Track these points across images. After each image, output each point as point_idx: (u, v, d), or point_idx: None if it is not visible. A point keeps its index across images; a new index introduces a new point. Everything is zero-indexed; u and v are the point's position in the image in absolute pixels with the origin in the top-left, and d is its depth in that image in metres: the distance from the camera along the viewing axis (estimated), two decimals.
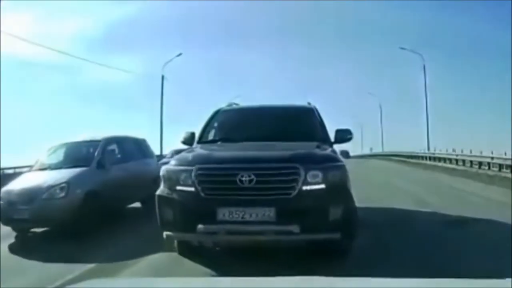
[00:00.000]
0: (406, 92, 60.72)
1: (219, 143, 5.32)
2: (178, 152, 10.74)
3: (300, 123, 5.61)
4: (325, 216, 3.96)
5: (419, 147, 30.06)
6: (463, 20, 51.91)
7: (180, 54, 29.72)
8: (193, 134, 5.48)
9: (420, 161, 26.33)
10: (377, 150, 46.43)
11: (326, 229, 3.94)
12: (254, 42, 64.21)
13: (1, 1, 25.53)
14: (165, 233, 4.29)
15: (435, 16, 54.26)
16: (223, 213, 3.98)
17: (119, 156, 8.11)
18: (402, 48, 30.12)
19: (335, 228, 3.96)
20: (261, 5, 56.77)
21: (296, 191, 3.98)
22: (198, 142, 5.35)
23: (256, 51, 65.57)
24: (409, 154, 30.41)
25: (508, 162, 15.41)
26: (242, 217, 3.96)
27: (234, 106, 6.61)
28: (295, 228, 3.88)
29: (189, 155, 4.60)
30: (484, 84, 55.75)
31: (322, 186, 4.05)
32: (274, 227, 3.95)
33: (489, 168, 17.42)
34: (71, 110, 53.98)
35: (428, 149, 27.87)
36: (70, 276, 4.14)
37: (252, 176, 3.97)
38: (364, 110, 73.93)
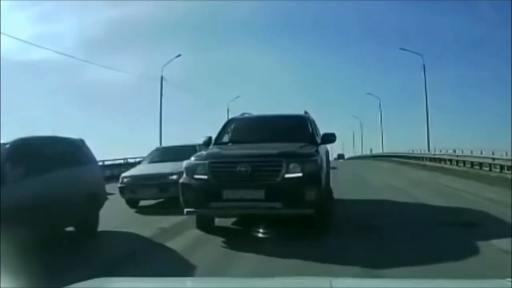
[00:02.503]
0: (406, 93, 60.82)
1: (229, 144, 6.99)
2: (159, 150, 11.36)
3: (292, 129, 7.20)
4: (302, 196, 5.48)
5: (419, 148, 30.20)
6: (463, 20, 51.85)
7: (179, 55, 30.25)
8: (210, 138, 7.09)
9: (420, 162, 26.28)
10: (377, 151, 46.39)
11: (302, 206, 5.47)
12: (253, 42, 64.61)
13: (1, 2, 25.56)
14: (186, 210, 5.86)
15: (435, 16, 54.06)
16: (227, 193, 5.60)
17: (34, 165, 5.44)
18: (403, 49, 30.17)
19: (310, 206, 5.48)
20: (261, 5, 56.86)
21: (280, 178, 5.53)
22: (214, 144, 6.94)
23: (255, 51, 65.81)
24: (409, 155, 30.35)
25: (509, 163, 15.39)
26: (241, 196, 5.58)
27: (246, 115, 8.16)
28: (278, 204, 5.47)
29: (204, 153, 6.34)
30: (484, 84, 55.79)
31: (300, 174, 5.54)
32: (263, 204, 5.55)
33: (490, 169, 17.39)
34: (70, 111, 54.16)
35: (429, 149, 27.84)
36: None
37: (248, 167, 5.59)
38: (364, 111, 74.06)
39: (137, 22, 61.21)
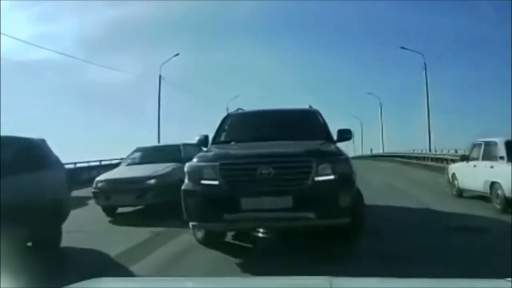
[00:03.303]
0: (406, 92, 60.21)
1: (232, 143, 5.74)
2: (139, 150, 10.17)
3: (305, 124, 6.27)
4: (336, 203, 4.54)
5: (420, 148, 29.62)
6: (463, 20, 51.32)
7: (177, 54, 29.62)
8: (206, 137, 6.01)
9: (422, 162, 25.60)
10: (378, 151, 45.64)
11: (337, 215, 4.53)
12: (253, 42, 63.86)
13: (1, 2, 25.09)
14: (191, 224, 4.98)
15: (435, 16, 53.51)
16: (246, 202, 4.56)
17: None
18: (403, 48, 29.51)
19: (346, 214, 4.56)
20: (261, 5, 56.26)
21: (309, 181, 4.56)
22: (213, 143, 5.86)
23: (255, 51, 65.13)
24: (410, 155, 29.70)
25: None
26: (263, 206, 4.55)
27: (240, 111, 7.09)
28: (310, 214, 4.47)
29: (210, 153, 5.26)
30: (484, 84, 55.33)
31: (332, 177, 4.62)
32: (293, 214, 4.52)
33: None
34: (71, 110, 53.75)
35: (430, 149, 27.18)
36: None
37: (270, 170, 4.57)
38: (364, 111, 73.44)
39: (137, 22, 60.92)
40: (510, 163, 7.47)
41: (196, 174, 4.84)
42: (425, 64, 28.45)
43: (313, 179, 4.55)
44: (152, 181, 7.94)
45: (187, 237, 5.86)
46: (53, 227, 5.65)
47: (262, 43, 65.64)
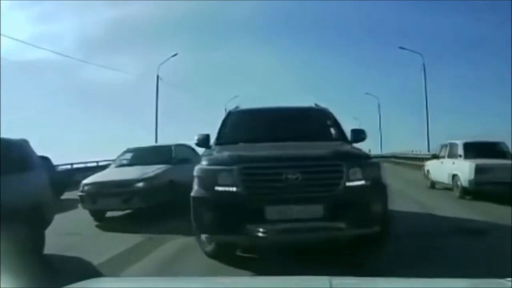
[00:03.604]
0: (406, 93, 60.08)
1: (240, 144, 5.15)
2: (130, 151, 9.63)
3: (317, 123, 5.79)
4: (368, 211, 4.13)
5: (418, 148, 29.38)
6: (463, 20, 51.30)
7: (175, 55, 29.52)
8: (207, 136, 5.47)
9: (419, 162, 25.30)
10: (376, 151, 45.40)
11: (370, 223, 4.12)
12: (252, 42, 63.50)
13: (1, 2, 24.97)
14: (204, 236, 4.43)
15: (435, 16, 53.46)
16: (271, 212, 4.05)
17: None
18: (402, 48, 29.30)
19: (377, 222, 4.16)
20: (261, 5, 55.99)
21: (340, 187, 4.11)
22: (217, 144, 5.29)
23: (254, 51, 64.82)
24: (408, 155, 29.46)
25: None
26: (291, 215, 4.05)
27: (241, 108, 6.55)
28: (342, 224, 4.04)
29: (222, 155, 4.59)
30: (484, 84, 55.36)
31: (363, 182, 4.20)
32: (324, 224, 4.07)
33: None
34: (71, 110, 53.51)
35: (429, 150, 26.91)
36: None
37: (298, 174, 4.07)
38: (364, 111, 73.11)
39: (136, 22, 60.70)
40: (466, 160, 9.67)
41: (208, 180, 4.24)
42: (423, 65, 28.52)
43: (344, 184, 4.11)
44: (140, 184, 7.52)
45: (175, 244, 5.51)
46: (35, 233, 5.24)
47: (261, 43, 65.48)
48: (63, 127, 42.15)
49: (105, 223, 7.72)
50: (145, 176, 7.67)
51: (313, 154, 4.50)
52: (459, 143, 10.37)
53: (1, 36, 21.00)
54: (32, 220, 5.05)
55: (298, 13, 61.92)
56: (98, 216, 7.96)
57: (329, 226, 4.06)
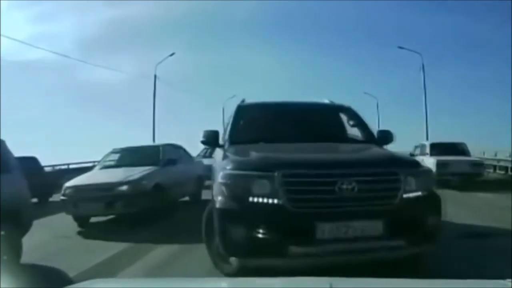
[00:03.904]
0: (406, 93, 59.82)
1: (261, 143, 4.37)
2: (116, 151, 9.10)
3: (343, 122, 5.19)
4: (427, 226, 3.59)
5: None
6: (463, 20, 51.05)
7: (173, 54, 29.01)
8: (216, 133, 4.75)
9: None
10: None
11: (429, 240, 3.61)
12: (250, 41, 62.95)
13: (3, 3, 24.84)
14: (234, 259, 3.56)
15: (435, 16, 53.26)
16: (323, 229, 3.33)
17: None
18: (401, 48, 28.96)
19: (435, 238, 3.66)
20: (261, 5, 55.57)
21: (398, 199, 3.51)
22: (232, 142, 4.48)
23: (252, 50, 64.30)
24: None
25: None
26: (347, 233, 3.35)
27: (252, 102, 5.72)
28: (402, 241, 3.44)
29: (254, 157, 3.76)
30: (484, 85, 55.24)
31: (419, 193, 3.64)
32: (384, 243, 3.41)
33: (494, 170, 17.14)
34: (71, 110, 53.20)
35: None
36: None
37: (354, 184, 3.40)
38: (361, 111, 71.94)
39: (135, 21, 60.04)
40: (431, 156, 12.84)
41: (240, 188, 3.47)
42: (422, 64, 27.95)
43: (401, 196, 3.51)
44: (123, 188, 7.01)
45: (159, 253, 5.06)
46: (11, 241, 4.79)
47: (261, 43, 64.92)
48: (61, 127, 41.95)
49: (87, 229, 7.23)
50: (129, 179, 7.17)
51: (368, 160, 3.89)
52: (427, 143, 14.42)
53: (1, 36, 20.67)
54: (7, 226, 4.57)
55: (296, 12, 61.45)
56: (81, 221, 7.47)
57: (389, 245, 3.42)
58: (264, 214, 3.39)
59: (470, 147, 19.41)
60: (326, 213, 3.38)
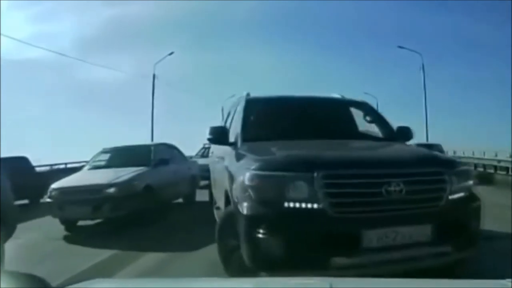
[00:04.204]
0: (406, 93, 59.73)
1: (280, 141, 3.96)
2: (106, 151, 8.70)
3: (360, 118, 4.86)
4: (471, 229, 3.35)
5: None
6: (463, 20, 51.01)
7: (171, 53, 29.13)
8: (224, 130, 4.42)
9: None
10: None
11: (473, 244, 3.35)
12: (249, 41, 62.68)
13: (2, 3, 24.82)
14: (265, 275, 3.00)
15: (435, 16, 53.20)
16: (371, 237, 2.99)
17: None
18: (401, 47, 28.84)
19: (478, 242, 3.39)
20: (261, 5, 55.35)
21: (444, 201, 3.24)
22: (246, 140, 4.04)
23: (251, 50, 64.08)
24: None
25: None
26: (395, 240, 3.04)
27: (262, 96, 5.35)
28: (449, 247, 3.16)
29: (285, 156, 3.38)
30: (484, 85, 55.23)
31: (462, 194, 3.40)
32: (432, 249, 3.12)
33: (495, 171, 16.73)
34: (71, 110, 53.01)
35: None
36: None
37: (401, 185, 3.09)
38: None
39: (136, 21, 60.00)
40: None
41: (273, 192, 3.06)
42: (422, 64, 28.22)
43: (447, 198, 3.24)
44: (110, 190, 6.62)
45: (146, 261, 4.70)
46: None
47: (260, 43, 64.75)
48: (61, 126, 41.83)
49: (74, 233, 6.87)
50: (117, 180, 6.77)
51: (413, 158, 3.56)
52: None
53: (0, 36, 20.58)
54: None
55: (296, 12, 61.30)
56: (68, 225, 7.09)
57: (437, 251, 3.12)
58: (302, 221, 2.98)
59: (470, 147, 19.39)
60: (373, 218, 3.02)
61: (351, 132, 4.55)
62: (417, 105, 29.57)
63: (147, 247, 5.28)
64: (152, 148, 8.43)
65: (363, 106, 4.99)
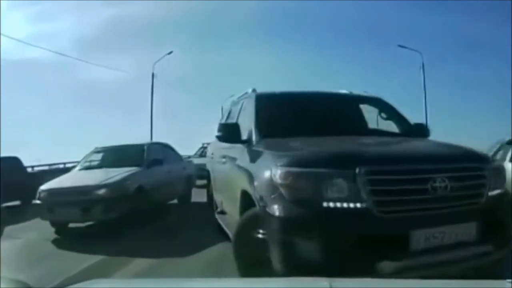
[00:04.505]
0: (404, 92, 59.64)
1: (301, 137, 3.71)
2: (99, 151, 8.41)
3: (375, 114, 4.69)
4: (507, 228, 3.15)
5: None
6: (463, 20, 50.96)
7: (170, 52, 28.66)
8: (236, 126, 4.08)
9: None
10: None
11: (509, 243, 3.14)
12: (249, 41, 62.44)
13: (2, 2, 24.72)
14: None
15: (435, 16, 53.18)
16: (419, 238, 2.77)
17: None
18: (401, 46, 28.62)
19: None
20: (261, 5, 55.13)
21: (484, 198, 3.07)
22: (264, 137, 3.78)
23: (251, 50, 63.97)
24: None
25: None
26: (443, 241, 2.84)
27: (273, 91, 5.06)
28: (490, 246, 2.97)
29: (317, 151, 3.20)
30: (484, 85, 55.30)
31: (499, 191, 3.22)
32: (475, 249, 2.92)
33: None
34: (71, 110, 52.58)
35: None
36: None
37: (446, 181, 2.91)
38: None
39: (135, 21, 59.74)
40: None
41: (310, 190, 2.80)
42: (423, 64, 27.73)
43: (487, 194, 3.08)
44: (101, 191, 6.35)
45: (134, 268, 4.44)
46: None
47: (260, 42, 64.44)
48: (60, 126, 41.64)
49: (64, 236, 6.60)
50: (107, 181, 6.50)
51: (454, 154, 3.38)
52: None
53: (0, 36, 20.46)
54: None
55: (296, 12, 61.07)
56: (59, 227, 6.84)
57: (480, 251, 2.93)
58: (344, 222, 2.74)
59: (470, 147, 19.24)
60: (421, 217, 2.81)
61: (369, 128, 4.42)
62: (417, 104, 29.39)
63: (135, 252, 5.01)
64: (146, 147, 8.15)
65: (379, 102, 4.82)
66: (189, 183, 9.48)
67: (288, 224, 2.80)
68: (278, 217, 2.81)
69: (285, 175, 2.87)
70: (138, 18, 56.78)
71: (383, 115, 4.56)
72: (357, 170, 2.77)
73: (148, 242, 5.68)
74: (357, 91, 5.58)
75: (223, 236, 5.08)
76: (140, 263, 4.59)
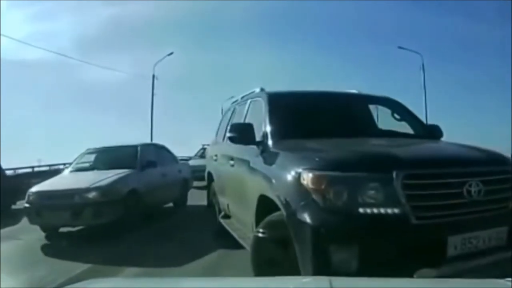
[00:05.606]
0: (404, 92, 59.57)
1: (320, 139, 3.54)
2: (91, 152, 8.08)
3: (400, 116, 4.49)
4: None
5: None
6: (463, 20, 50.92)
7: (171, 53, 28.74)
8: (250, 127, 3.85)
9: None
10: None
11: None
12: (249, 41, 62.35)
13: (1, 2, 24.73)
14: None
15: (435, 16, 53.14)
16: (455, 244, 2.68)
17: None
18: (401, 48, 28.53)
19: None
20: (260, 5, 55.01)
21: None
22: (282, 138, 3.61)
23: (251, 50, 63.96)
24: None
25: None
26: (477, 245, 2.76)
27: (284, 91, 4.93)
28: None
29: (349, 153, 3.03)
30: (484, 85, 55.28)
31: None
32: (506, 254, 2.78)
33: None
34: (71, 110, 52.45)
35: None
36: None
37: (480, 185, 2.82)
38: None
39: (135, 21, 59.81)
40: None
41: (343, 196, 2.65)
42: (423, 64, 27.75)
43: None
44: (91, 194, 6.08)
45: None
46: None
47: (260, 43, 64.47)
48: (60, 126, 41.84)
49: (54, 241, 6.32)
50: (98, 184, 6.23)
51: (485, 157, 3.26)
52: None
53: (0, 36, 20.40)
54: None
55: (296, 12, 61.01)
56: (49, 232, 6.58)
57: (509, 256, 2.79)
58: (382, 229, 2.61)
59: None
60: (457, 222, 2.73)
61: (385, 129, 4.32)
62: (417, 105, 29.25)
63: (124, 261, 4.73)
64: (139, 148, 7.85)
65: (393, 103, 4.67)
66: (185, 185, 9.20)
67: (321, 232, 2.62)
68: (310, 225, 2.63)
69: (317, 179, 2.70)
70: (138, 18, 56.82)
71: (397, 116, 4.42)
72: (394, 174, 2.64)
73: (141, 248, 5.43)
74: (358, 91, 5.38)
75: (223, 241, 4.91)
76: (129, 273, 4.30)
